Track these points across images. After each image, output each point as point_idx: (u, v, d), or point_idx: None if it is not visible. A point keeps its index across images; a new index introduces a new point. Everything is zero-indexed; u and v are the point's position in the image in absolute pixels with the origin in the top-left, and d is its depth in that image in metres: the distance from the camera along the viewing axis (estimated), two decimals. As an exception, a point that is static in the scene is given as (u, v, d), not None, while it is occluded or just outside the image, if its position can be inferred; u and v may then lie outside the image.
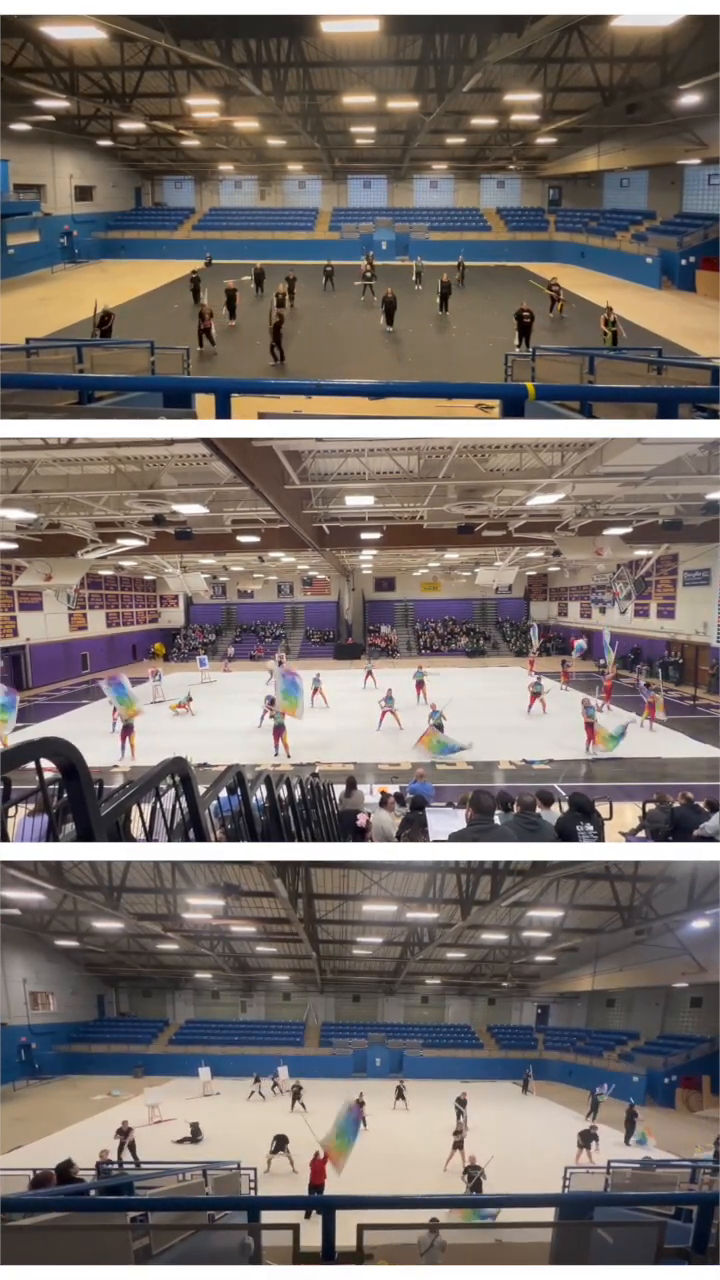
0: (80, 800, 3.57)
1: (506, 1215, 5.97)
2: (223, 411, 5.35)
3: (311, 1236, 4.42)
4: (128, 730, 19.46)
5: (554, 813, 6.71)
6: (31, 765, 3.40)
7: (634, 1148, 15.40)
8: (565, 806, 6.22)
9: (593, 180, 34.62)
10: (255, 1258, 4.48)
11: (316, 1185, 12.07)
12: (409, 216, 37.92)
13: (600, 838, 6.23)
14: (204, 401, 9.40)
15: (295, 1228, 4.91)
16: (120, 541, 20.75)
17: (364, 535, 21.41)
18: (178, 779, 5.36)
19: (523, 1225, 4.88)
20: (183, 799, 5.49)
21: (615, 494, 17.46)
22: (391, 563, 42.59)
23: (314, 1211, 4.51)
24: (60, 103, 26.19)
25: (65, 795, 3.62)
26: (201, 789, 5.87)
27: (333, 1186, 11.96)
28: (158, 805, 5.35)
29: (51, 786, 3.92)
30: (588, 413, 10.82)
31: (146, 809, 5.23)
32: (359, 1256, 4.46)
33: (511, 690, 28.43)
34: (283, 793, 9.98)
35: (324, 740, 20.62)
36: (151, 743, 19.25)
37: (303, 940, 19.32)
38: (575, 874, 15.30)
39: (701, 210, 29.03)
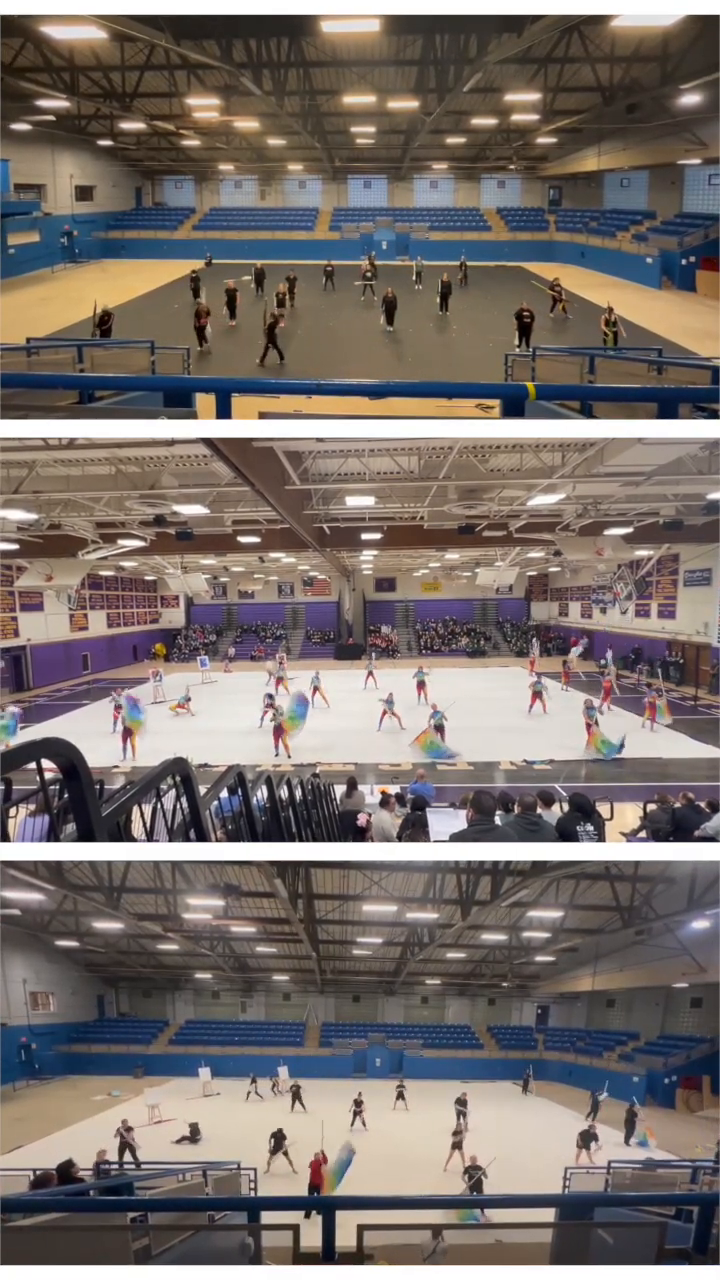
0: (81, 800, 3.57)
1: (507, 1215, 5.97)
2: (223, 411, 5.36)
3: (312, 1237, 4.42)
4: (129, 731, 19.47)
5: (555, 813, 6.71)
6: (32, 766, 3.41)
7: (635, 1149, 15.40)
8: (566, 807, 6.21)
9: (593, 180, 34.62)
10: (255, 1258, 4.47)
11: (317, 1185, 12.06)
12: (409, 216, 37.93)
13: (601, 838, 6.23)
14: (204, 401, 9.41)
15: (295, 1228, 4.91)
16: (121, 542, 20.75)
17: (364, 535, 21.41)
18: (178, 779, 5.37)
19: (523, 1226, 4.88)
20: (183, 799, 5.49)
21: (616, 494, 17.46)
22: (392, 563, 42.58)
23: (314, 1212, 4.50)
24: (60, 102, 26.20)
25: (66, 795, 3.62)
26: (202, 789, 5.87)
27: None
28: (158, 805, 5.36)
29: (52, 787, 3.92)
30: (588, 413, 10.82)
31: (147, 809, 5.23)
32: (359, 1257, 4.46)
33: (512, 691, 28.41)
34: (283, 793, 9.99)
35: (325, 741, 20.61)
36: (152, 743, 19.26)
37: (303, 940, 19.32)
38: (575, 874, 15.30)
39: (702, 210, 29.03)
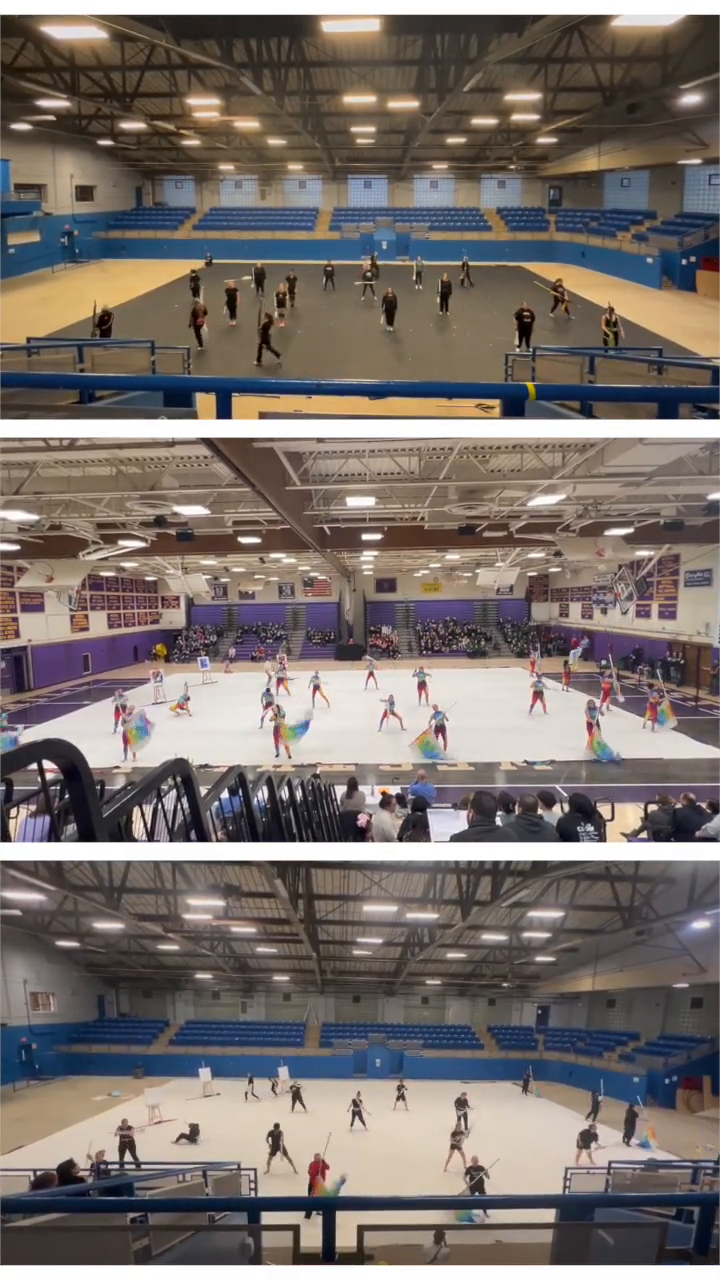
0: (82, 801, 3.57)
1: (507, 1216, 5.97)
2: (223, 411, 5.36)
3: (312, 1237, 4.42)
4: (129, 739, 19.47)
5: (555, 814, 6.71)
6: (34, 766, 3.41)
7: (636, 1150, 15.39)
8: (567, 808, 6.21)
9: (593, 180, 34.61)
10: (255, 1258, 4.47)
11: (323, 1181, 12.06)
12: (409, 216, 37.92)
13: (601, 839, 6.23)
14: (204, 401, 9.41)
15: (296, 1229, 4.91)
16: (122, 543, 20.75)
17: (365, 536, 21.41)
18: (179, 780, 5.36)
19: (523, 1226, 4.87)
20: (184, 800, 5.49)
21: (616, 495, 17.46)
22: (392, 564, 42.58)
23: (314, 1212, 4.50)
24: (61, 102, 26.20)
25: (67, 796, 3.62)
26: (203, 790, 5.87)
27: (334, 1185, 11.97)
28: (159, 806, 5.36)
29: (53, 788, 3.92)
30: (588, 413, 10.82)
31: (148, 810, 5.23)
32: (359, 1257, 4.46)
33: (512, 691, 28.41)
34: (284, 794, 9.99)
35: (325, 742, 20.61)
36: (153, 744, 19.27)
37: (303, 941, 19.32)
38: (576, 874, 15.30)
39: (702, 210, 29.02)
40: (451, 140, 32.48)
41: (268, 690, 24.73)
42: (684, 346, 18.56)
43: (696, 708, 24.93)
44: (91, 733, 20.88)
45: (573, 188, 36.84)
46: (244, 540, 21.78)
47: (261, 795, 8.58)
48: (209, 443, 10.24)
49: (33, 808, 6.01)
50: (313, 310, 24.55)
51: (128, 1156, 14.24)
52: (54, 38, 20.61)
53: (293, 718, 20.43)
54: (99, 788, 3.82)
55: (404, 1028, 26.63)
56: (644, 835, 10.23)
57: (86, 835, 3.62)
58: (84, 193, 34.96)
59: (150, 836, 5.41)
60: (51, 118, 28.57)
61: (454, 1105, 16.91)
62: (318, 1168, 12.21)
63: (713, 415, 8.42)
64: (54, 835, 4.22)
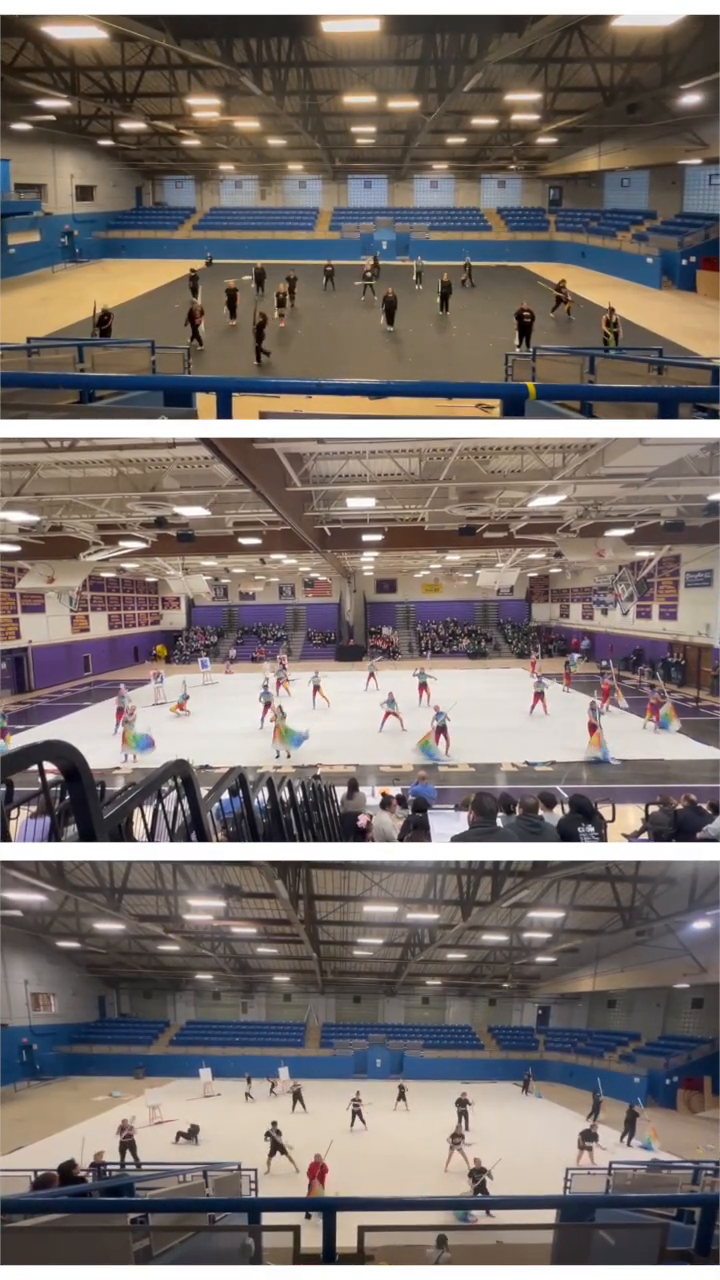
0: (82, 803, 3.57)
1: (508, 1217, 5.97)
2: (224, 411, 5.35)
3: (312, 1238, 4.41)
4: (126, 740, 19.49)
5: (556, 815, 6.70)
6: (34, 768, 3.40)
7: (638, 1150, 15.38)
8: (567, 809, 6.20)
9: (593, 180, 34.60)
10: (256, 1259, 4.47)
11: (320, 1185, 12.05)
12: (409, 216, 37.92)
13: (602, 840, 6.22)
14: (205, 402, 9.41)
15: (296, 1229, 4.91)
16: (122, 544, 20.76)
17: (365, 537, 21.41)
18: (180, 781, 5.36)
19: (524, 1227, 4.87)
20: (184, 801, 5.49)
21: (617, 495, 17.45)
22: (393, 564, 42.59)
23: (314, 1213, 4.50)
24: (61, 102, 26.21)
25: (68, 798, 3.62)
26: (203, 792, 5.87)
27: (334, 1188, 11.97)
28: (159, 808, 5.35)
29: (54, 789, 3.92)
30: (588, 413, 10.82)
31: (148, 811, 5.23)
32: (360, 1258, 4.45)
33: (513, 692, 28.41)
34: (285, 795, 9.98)
35: (326, 743, 20.61)
36: (154, 742, 19.28)
37: (303, 941, 19.31)
38: (576, 875, 15.29)
39: (702, 210, 29.02)
40: (451, 140, 32.48)
41: (265, 689, 24.70)
42: (684, 346, 18.55)
43: (697, 709, 24.92)
44: (92, 734, 20.87)
45: (573, 188, 36.84)
46: (244, 541, 21.78)
47: (262, 796, 8.58)
48: (209, 444, 10.25)
49: (33, 809, 6.01)
50: (313, 310, 24.55)
51: (128, 1157, 14.22)
52: (54, 38, 20.61)
53: (292, 722, 20.43)
54: (99, 789, 3.82)
55: (404, 1028, 26.62)
56: (645, 836, 10.23)
57: (87, 836, 3.61)
58: (84, 193, 34.97)
59: (151, 838, 5.41)
60: (51, 118, 28.59)
61: (454, 1105, 16.90)
62: (316, 1169, 12.20)
63: (713, 415, 8.41)
64: (54, 836, 4.22)
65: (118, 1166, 12.85)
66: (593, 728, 18.84)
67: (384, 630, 49.71)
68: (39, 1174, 7.72)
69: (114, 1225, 4.32)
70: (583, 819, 5.86)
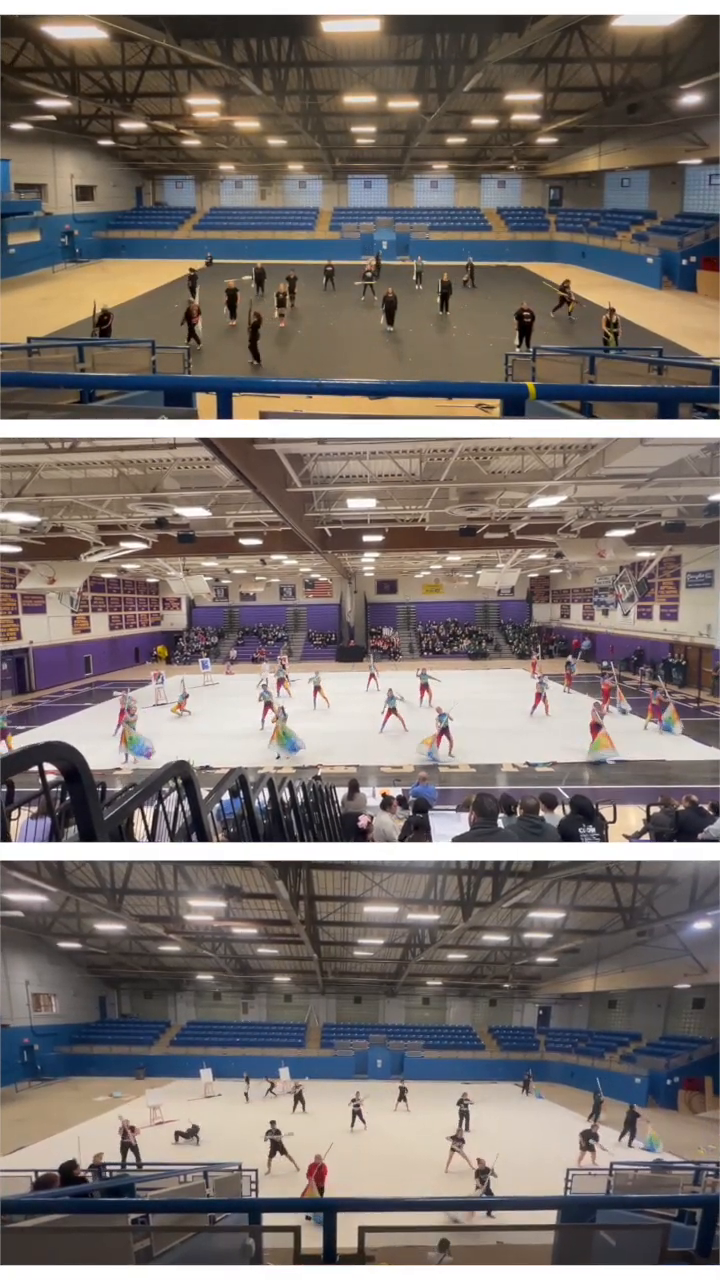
0: (83, 804, 3.57)
1: (509, 1217, 5.96)
2: (224, 411, 5.35)
3: (313, 1239, 4.41)
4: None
5: (557, 816, 6.69)
6: (35, 769, 3.40)
7: (641, 1152, 15.37)
8: (568, 810, 6.20)
9: (593, 180, 34.58)
10: (256, 1260, 4.47)
11: (318, 1187, 12.04)
12: (409, 216, 37.90)
13: (603, 841, 6.21)
14: (205, 402, 9.41)
15: (297, 1230, 4.91)
16: (123, 545, 20.77)
17: (366, 538, 21.41)
18: (180, 782, 5.36)
19: (525, 1228, 4.87)
20: (185, 802, 5.48)
21: (617, 496, 17.45)
22: (393, 565, 42.59)
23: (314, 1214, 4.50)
24: (61, 102, 26.21)
25: (68, 799, 3.62)
26: (204, 793, 5.86)
27: (334, 1189, 11.96)
28: (160, 809, 5.35)
29: (55, 790, 3.92)
30: (588, 413, 10.82)
31: (149, 812, 5.22)
32: (360, 1259, 4.45)
33: (513, 693, 28.40)
34: (285, 796, 9.98)
35: (327, 743, 20.60)
36: (154, 746, 19.27)
37: (304, 942, 19.31)
38: (577, 875, 15.29)
39: (702, 210, 28.99)
40: (451, 140, 32.47)
41: (265, 689, 24.69)
42: (684, 346, 18.54)
43: (698, 709, 24.91)
44: (93, 734, 20.85)
45: (573, 188, 36.82)
46: (245, 542, 21.79)
47: (263, 797, 8.58)
48: (210, 444, 10.24)
49: (34, 810, 6.02)
50: (313, 310, 24.54)
51: (129, 1157, 14.21)
52: (54, 38, 20.61)
53: (293, 723, 20.41)
54: (100, 790, 3.82)
55: (405, 1029, 26.61)
56: (646, 837, 10.22)
57: (87, 837, 3.61)
58: (84, 193, 34.96)
59: (151, 839, 5.40)
60: (52, 118, 28.59)
61: (455, 1106, 16.89)
62: (315, 1169, 12.20)
63: (713, 415, 8.41)
64: (55, 837, 4.22)
65: (118, 1167, 12.85)
66: (596, 728, 18.83)
67: (385, 631, 49.70)
68: (40, 1174, 7.72)
69: (115, 1226, 4.32)
70: (584, 820, 5.86)
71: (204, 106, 28.13)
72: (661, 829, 9.71)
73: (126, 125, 30.36)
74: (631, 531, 20.65)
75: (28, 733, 22.27)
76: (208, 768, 15.73)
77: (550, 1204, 4.95)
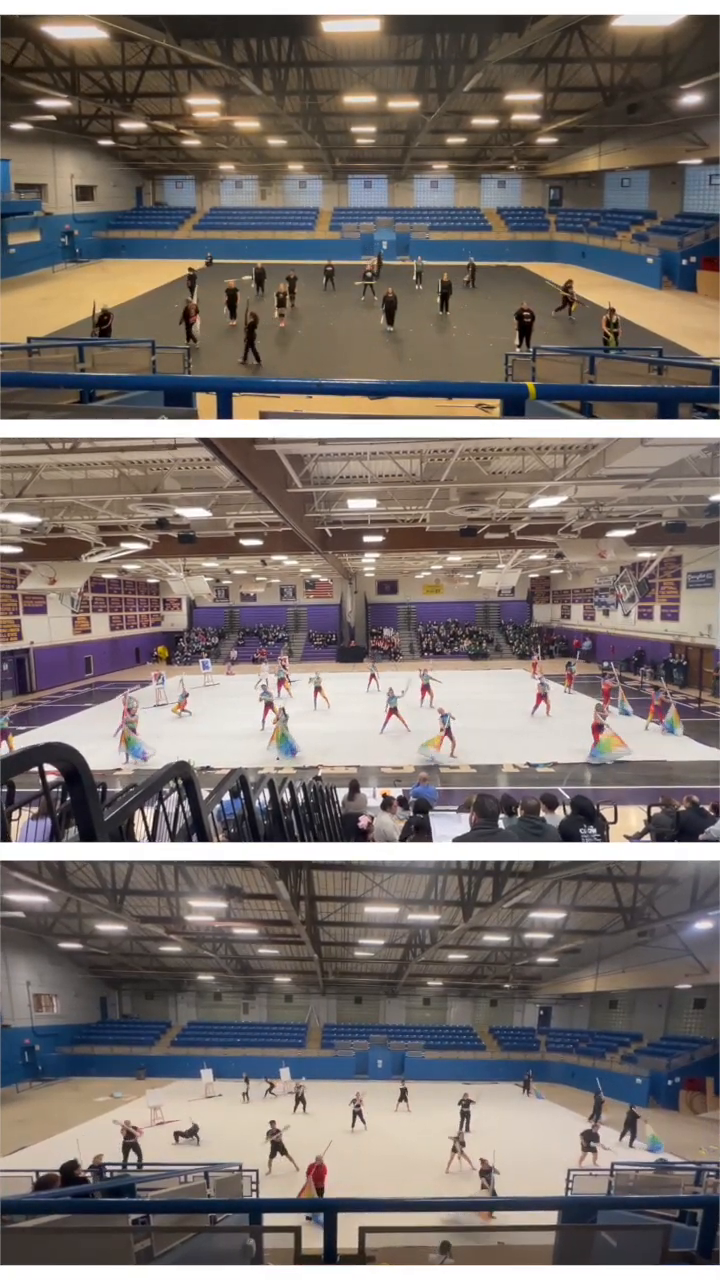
0: (83, 804, 3.57)
1: (510, 1218, 5.96)
2: (224, 411, 5.34)
3: (313, 1239, 4.41)
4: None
5: (558, 816, 6.69)
6: (35, 770, 3.40)
7: (642, 1152, 15.36)
8: (569, 810, 6.20)
9: (593, 180, 34.57)
10: (257, 1260, 4.47)
11: (318, 1188, 12.05)
12: (410, 216, 37.89)
13: (604, 841, 6.21)
14: (205, 402, 9.40)
15: (297, 1230, 4.91)
16: (124, 545, 20.77)
17: (366, 538, 21.41)
18: (181, 783, 5.35)
19: (526, 1228, 4.87)
20: (185, 803, 5.48)
21: (618, 496, 17.45)
22: (394, 565, 42.59)
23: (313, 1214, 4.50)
24: (61, 102, 26.21)
25: (68, 799, 3.62)
26: (204, 793, 5.86)
27: (335, 1189, 11.96)
28: (160, 809, 5.35)
29: (55, 790, 3.92)
30: (588, 413, 10.82)
31: (149, 813, 5.22)
32: (361, 1259, 4.45)
33: (514, 693, 28.38)
34: (286, 797, 9.97)
35: (327, 743, 20.60)
36: (154, 746, 19.27)
37: (305, 942, 19.32)
38: (577, 875, 15.29)
39: (702, 210, 28.98)
40: (452, 140, 32.47)
41: (264, 689, 24.68)
42: (684, 346, 18.53)
43: (699, 710, 24.90)
44: (93, 735, 20.85)
45: (573, 188, 36.80)
46: (246, 542, 21.79)
47: (263, 798, 8.57)
48: (210, 445, 10.24)
49: (34, 810, 6.02)
50: (313, 310, 24.53)
51: (130, 1157, 14.21)
52: (54, 38, 20.62)
53: (293, 723, 20.41)
54: (100, 791, 3.82)
55: (405, 1029, 26.61)
56: (647, 838, 10.22)
57: (88, 838, 3.61)
58: (84, 193, 34.96)
59: (152, 840, 5.40)
60: (52, 118, 28.59)
61: (456, 1106, 16.89)
62: (314, 1170, 12.19)
63: (713, 415, 8.41)
64: (56, 838, 4.22)
65: (119, 1167, 12.85)
66: (598, 729, 18.81)
67: (385, 631, 49.70)
68: (41, 1175, 7.72)
69: (115, 1226, 4.32)
70: (584, 820, 5.85)
71: (204, 106, 28.12)
72: (662, 829, 9.70)
73: (126, 125, 30.36)
74: (632, 532, 20.64)
75: (28, 733, 22.27)
76: (208, 768, 15.73)
77: (551, 1204, 4.95)
